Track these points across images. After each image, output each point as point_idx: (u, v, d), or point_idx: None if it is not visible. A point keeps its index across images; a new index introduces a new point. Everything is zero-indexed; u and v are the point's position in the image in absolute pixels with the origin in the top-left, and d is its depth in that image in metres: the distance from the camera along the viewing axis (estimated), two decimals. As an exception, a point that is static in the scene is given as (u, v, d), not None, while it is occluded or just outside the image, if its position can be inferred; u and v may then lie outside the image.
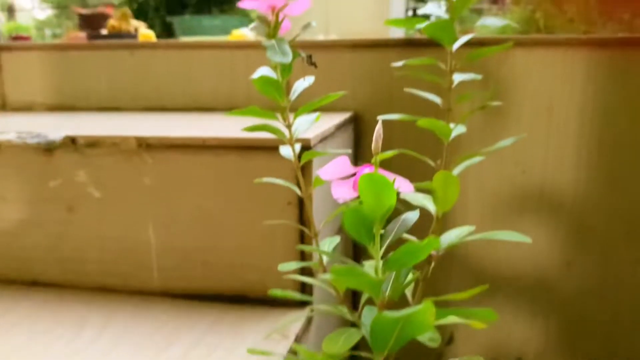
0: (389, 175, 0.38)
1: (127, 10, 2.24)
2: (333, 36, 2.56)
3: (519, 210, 1.04)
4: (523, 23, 2.94)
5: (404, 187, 0.39)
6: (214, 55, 1.12)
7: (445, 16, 0.61)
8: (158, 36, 5.49)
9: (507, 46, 0.60)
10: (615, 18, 2.00)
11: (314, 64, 0.58)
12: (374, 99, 1.06)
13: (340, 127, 0.92)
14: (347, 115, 0.99)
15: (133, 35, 2.23)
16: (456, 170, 0.57)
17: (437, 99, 0.61)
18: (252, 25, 0.58)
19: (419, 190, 0.61)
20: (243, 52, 1.11)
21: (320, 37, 2.58)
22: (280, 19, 0.57)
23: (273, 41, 0.55)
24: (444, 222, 1.03)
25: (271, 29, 0.57)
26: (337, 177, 0.40)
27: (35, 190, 0.82)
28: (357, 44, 1.07)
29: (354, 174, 0.40)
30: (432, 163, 0.59)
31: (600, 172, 1.00)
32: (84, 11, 2.46)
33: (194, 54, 1.11)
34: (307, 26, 0.60)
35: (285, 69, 0.56)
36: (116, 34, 2.18)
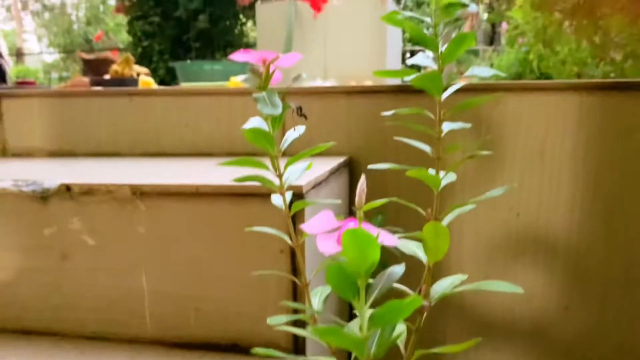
0: (373, 230, 0.39)
1: (129, 56, 2.28)
2: (332, 80, 2.60)
3: (515, 254, 1.03)
4: (518, 64, 3.00)
5: (388, 240, 0.40)
6: (212, 102, 1.14)
7: (434, 66, 0.63)
8: (162, 80, 5.58)
9: (496, 97, 0.61)
10: (606, 59, 2.04)
11: (303, 115, 0.59)
12: (369, 144, 1.07)
13: (334, 172, 0.92)
14: (342, 160, 1.00)
15: (135, 80, 2.27)
16: (447, 220, 0.57)
17: (426, 148, 0.62)
18: (244, 77, 0.59)
19: (410, 239, 0.61)
20: (241, 99, 1.13)
21: (319, 82, 2.62)
22: (271, 71, 0.58)
23: (263, 93, 0.56)
24: (440, 267, 1.02)
25: (262, 81, 0.58)
26: (321, 231, 0.40)
27: (30, 237, 0.82)
28: (352, 91, 1.09)
29: (339, 228, 0.40)
30: (423, 212, 0.60)
31: (595, 216, 1.00)
32: (87, 57, 2.52)
33: (192, 101, 1.13)
34: (297, 78, 0.61)
35: (276, 120, 0.57)
36: (118, 79, 2.22)
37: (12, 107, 1.19)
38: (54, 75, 10.31)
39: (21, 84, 2.23)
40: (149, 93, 1.14)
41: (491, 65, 3.28)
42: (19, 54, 11.19)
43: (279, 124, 0.58)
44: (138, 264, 0.78)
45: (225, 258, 0.76)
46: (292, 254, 0.72)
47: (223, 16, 5.61)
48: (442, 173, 0.61)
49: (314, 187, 0.77)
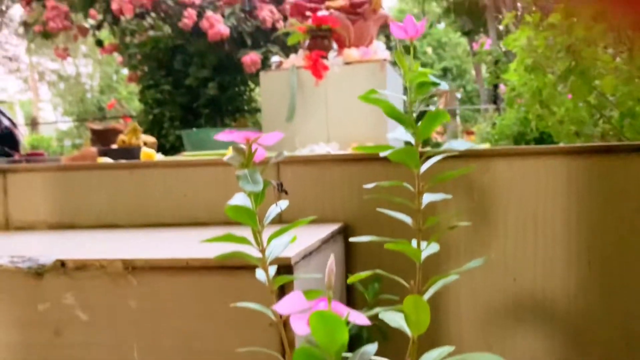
0: (342, 310, 0.39)
1: (136, 126, 2.35)
2: (334, 144, 2.65)
3: (514, 318, 1.02)
4: (519, 123, 3.03)
5: (359, 320, 0.40)
6: (210, 172, 1.16)
7: (412, 140, 0.65)
8: (172, 145, 5.68)
9: (468, 169, 0.62)
10: (604, 117, 2.07)
11: (284, 191, 0.61)
12: (363, 210, 1.08)
13: (327, 240, 0.93)
14: (336, 227, 1.01)
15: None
16: (428, 294, 0.57)
17: (408, 220, 0.63)
18: (228, 156, 0.61)
19: (395, 311, 0.61)
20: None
21: (322, 145, 2.67)
22: (253, 150, 0.60)
23: (245, 171, 0.58)
24: (438, 334, 1.01)
25: (245, 159, 0.61)
26: (293, 311, 0.41)
27: (23, 313, 0.82)
28: (346, 158, 1.11)
29: (310, 308, 0.41)
30: (406, 284, 0.60)
31: (592, 280, 0.99)
32: (96, 127, 2.59)
33: (190, 172, 1.16)
34: (279, 155, 0.63)
35: (258, 197, 0.59)
36: (125, 149, 2.28)
37: (16, 182, 1.23)
38: (67, 142, 10.58)
39: (31, 155, 2.29)
40: (149, 165, 1.17)
41: (493, 125, 3.33)
42: (33, 123, 11.54)
43: (261, 199, 0.59)
44: (130, 339, 0.78)
45: (216, 332, 0.75)
46: (285, 325, 0.72)
47: (232, 83, 5.78)
48: (424, 244, 0.61)
49: (304, 257, 0.78)
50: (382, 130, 2.71)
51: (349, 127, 2.73)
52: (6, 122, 5.12)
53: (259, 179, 0.57)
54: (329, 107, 2.76)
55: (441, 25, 8.88)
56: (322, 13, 2.78)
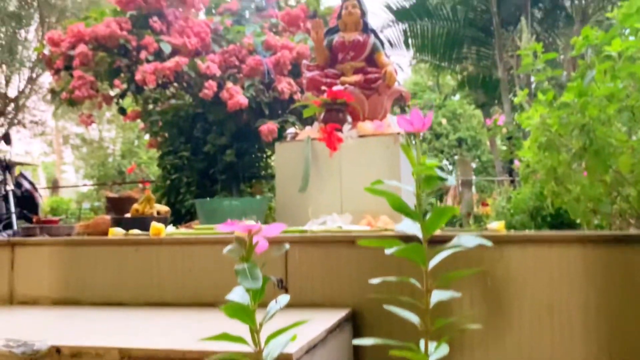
0: None
1: (150, 195, 2.37)
2: (347, 215, 2.63)
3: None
4: (534, 197, 2.99)
5: None
6: (216, 250, 1.14)
7: (419, 234, 0.63)
8: (187, 210, 5.71)
9: (479, 270, 0.60)
10: (621, 195, 2.02)
11: (284, 288, 0.59)
12: (373, 295, 1.05)
13: (333, 329, 0.89)
14: (343, 315, 0.97)
15: (155, 218, 2.33)
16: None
17: (415, 319, 0.60)
18: (228, 248, 0.59)
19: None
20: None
21: (335, 216, 2.65)
22: (254, 242, 0.59)
23: (245, 265, 0.56)
24: None
25: (245, 252, 0.59)
26: None
27: (14, 402, 0.79)
28: (355, 240, 1.09)
29: None
30: (411, 390, 0.56)
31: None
32: (111, 195, 2.61)
33: (196, 250, 1.14)
34: (279, 250, 0.61)
35: (257, 293, 0.56)
36: (138, 218, 2.28)
37: (23, 255, 1.22)
38: (86, 205, 10.70)
39: (46, 222, 2.30)
40: (155, 242, 1.16)
41: (509, 199, 3.29)
42: (54, 186, 11.75)
43: (261, 296, 0.57)
44: None
45: None
46: None
47: (249, 150, 5.86)
48: (432, 346, 0.58)
49: (307, 352, 0.74)
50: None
51: (363, 199, 2.70)
52: (27, 185, 5.21)
53: (258, 275, 0.55)
54: (342, 179, 2.77)
55: (456, 97, 9.04)
56: (337, 88, 2.84)
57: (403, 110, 6.85)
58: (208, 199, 4.46)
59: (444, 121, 11.07)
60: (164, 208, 2.42)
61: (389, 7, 6.89)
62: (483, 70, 7.32)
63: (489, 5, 6.43)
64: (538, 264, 0.96)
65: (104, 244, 1.19)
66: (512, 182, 5.31)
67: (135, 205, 2.36)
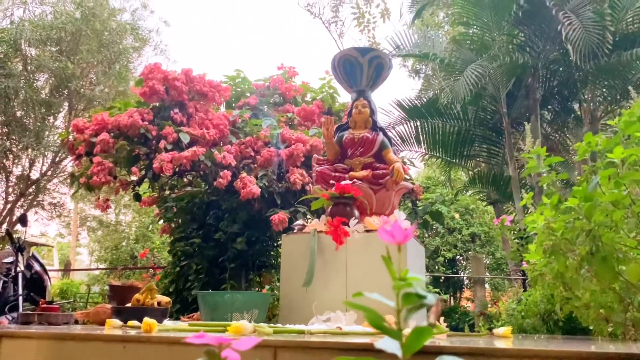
0: None
1: (152, 285, 2.35)
2: (351, 313, 2.56)
3: None
4: (546, 300, 2.91)
5: None
6: (198, 352, 1.11)
7: (399, 353, 0.61)
8: (194, 300, 5.61)
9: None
10: (634, 304, 1.95)
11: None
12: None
13: None
14: None
15: (153, 310, 2.29)
16: None
17: None
18: (198, 360, 0.58)
19: None
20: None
21: (339, 313, 2.58)
22: (224, 357, 0.57)
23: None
24: None
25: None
26: None
27: None
28: (347, 347, 1.05)
29: None
30: None
31: None
32: (114, 283, 2.60)
33: (181, 350, 1.11)
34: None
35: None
36: (138, 308, 2.25)
37: (11, 348, 1.20)
38: (96, 288, 10.63)
39: (45, 309, 2.28)
40: (142, 340, 1.14)
41: (519, 301, 3.20)
42: (66, 269, 11.76)
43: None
44: None
45: None
46: None
47: (259, 239, 5.86)
48: None
49: None
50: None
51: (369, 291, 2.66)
52: (37, 267, 5.21)
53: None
54: (348, 274, 2.73)
55: (468, 193, 9.08)
56: (345, 182, 2.88)
57: (414, 205, 6.87)
58: (210, 291, 4.41)
59: (456, 216, 11.03)
60: (164, 299, 2.39)
61: (400, 105, 7.14)
62: (494, 167, 7.41)
63: (499, 107, 6.62)
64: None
65: (92, 339, 1.16)
66: (524, 281, 5.18)
67: (137, 295, 2.34)
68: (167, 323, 2.07)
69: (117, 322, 1.88)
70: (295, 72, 6.80)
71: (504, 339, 1.89)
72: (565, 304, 2.05)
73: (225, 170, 5.08)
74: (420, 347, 0.58)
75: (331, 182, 2.97)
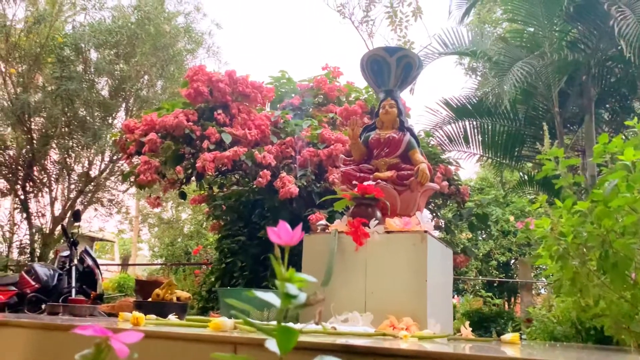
0: None
1: (172, 281, 2.44)
2: (369, 315, 2.56)
3: None
4: (577, 307, 2.78)
5: None
6: (166, 346, 1.15)
7: None
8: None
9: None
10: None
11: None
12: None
13: None
14: None
15: (176, 305, 2.37)
16: None
17: None
18: (82, 353, 0.61)
19: None
20: (195, 346, 1.13)
21: (356, 314, 2.58)
22: (110, 348, 0.60)
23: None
24: None
25: (96, 357, 0.60)
26: None
27: None
28: (329, 348, 1.06)
29: None
30: None
31: None
32: (140, 278, 2.71)
33: (151, 343, 1.15)
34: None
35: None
36: (156, 303, 2.34)
37: (2, 337, 1.28)
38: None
39: (73, 301, 2.41)
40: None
41: (550, 307, 3.08)
42: (123, 264, 12.31)
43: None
44: None
45: None
46: None
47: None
48: None
49: None
50: (421, 302, 2.60)
51: (387, 297, 2.64)
52: (89, 261, 5.49)
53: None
54: (367, 275, 2.72)
55: (520, 194, 8.79)
56: (368, 183, 2.87)
57: (460, 207, 6.70)
58: (229, 288, 4.50)
59: (511, 218, 10.70)
60: (184, 294, 2.47)
61: (447, 104, 7.00)
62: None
63: (550, 106, 6.38)
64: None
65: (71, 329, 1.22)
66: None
67: (157, 290, 2.43)
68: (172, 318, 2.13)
69: (128, 315, 1.97)
70: (340, 72, 6.81)
71: (510, 345, 1.83)
72: (582, 312, 1.95)
73: (265, 170, 5.17)
74: (295, 345, 0.58)
75: (354, 182, 2.96)
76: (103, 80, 8.45)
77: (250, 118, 5.69)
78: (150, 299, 2.45)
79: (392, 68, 3.20)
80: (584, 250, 1.72)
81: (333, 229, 2.81)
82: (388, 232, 2.74)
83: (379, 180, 2.95)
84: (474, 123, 7.10)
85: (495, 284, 10.48)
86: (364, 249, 2.72)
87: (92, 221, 10.50)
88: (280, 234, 0.65)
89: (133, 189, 10.26)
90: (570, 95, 6.43)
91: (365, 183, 2.88)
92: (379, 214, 2.83)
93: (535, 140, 7.08)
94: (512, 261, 11.27)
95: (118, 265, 12.40)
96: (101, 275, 5.61)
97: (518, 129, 6.91)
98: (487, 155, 7.45)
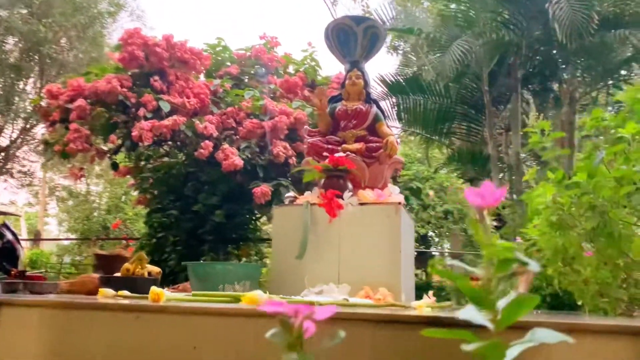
0: None
1: (143, 255, 2.27)
2: (344, 285, 2.53)
3: None
4: (544, 281, 2.92)
5: None
6: (222, 323, 1.05)
7: (490, 326, 0.56)
8: (172, 270, 5.53)
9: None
10: (630, 280, 1.97)
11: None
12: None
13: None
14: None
15: (146, 280, 2.22)
16: None
17: None
18: (271, 332, 0.52)
19: None
20: (253, 322, 1.04)
21: (332, 286, 2.55)
22: (304, 329, 0.51)
23: (295, 357, 0.48)
24: None
25: (293, 338, 0.51)
26: None
27: None
28: (380, 319, 1.01)
29: None
30: None
31: None
32: (101, 252, 2.51)
33: (201, 321, 1.05)
34: (334, 339, 0.54)
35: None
36: (129, 278, 2.17)
37: (11, 316, 1.12)
38: (67, 259, 10.40)
39: (31, 277, 2.18)
40: (156, 310, 1.07)
41: (507, 276, 3.22)
42: (36, 238, 11.46)
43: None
44: None
45: None
46: None
47: (239, 212, 5.77)
48: None
49: None
50: (396, 273, 2.62)
51: (362, 269, 2.63)
52: (9, 236, 5.04)
53: (309, 367, 0.47)
54: (341, 247, 2.69)
55: (444, 170, 9.14)
56: (339, 154, 2.82)
57: (395, 180, 6.87)
58: (201, 261, 4.33)
59: (431, 193, 11.12)
60: (155, 269, 2.31)
61: (383, 80, 7.07)
62: (473, 145, 7.45)
63: (481, 85, 6.62)
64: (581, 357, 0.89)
65: (101, 308, 1.09)
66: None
67: (127, 265, 2.26)
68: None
69: (110, 291, 1.81)
70: (277, 43, 6.63)
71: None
72: (563, 279, 2.05)
73: (207, 141, 4.96)
74: (515, 321, 0.53)
75: (324, 154, 2.90)
76: (13, 42, 7.66)
77: (189, 86, 5.41)
78: (117, 274, 2.28)
79: (358, 38, 3.15)
80: (580, 219, 1.79)
81: (305, 201, 2.74)
82: (362, 204, 2.72)
83: (349, 152, 2.90)
84: (408, 99, 7.24)
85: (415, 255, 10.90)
86: (337, 221, 2.68)
87: (1, 194, 9.64)
88: (484, 195, 0.59)
89: (43, 160, 9.51)
90: (499, 75, 6.72)
91: (336, 155, 2.83)
92: (350, 185, 2.80)
93: (464, 118, 7.37)
94: (430, 234, 11.76)
95: (31, 240, 11.51)
96: (22, 250, 5.18)
97: (449, 106, 7.13)
98: (417, 131, 7.66)
